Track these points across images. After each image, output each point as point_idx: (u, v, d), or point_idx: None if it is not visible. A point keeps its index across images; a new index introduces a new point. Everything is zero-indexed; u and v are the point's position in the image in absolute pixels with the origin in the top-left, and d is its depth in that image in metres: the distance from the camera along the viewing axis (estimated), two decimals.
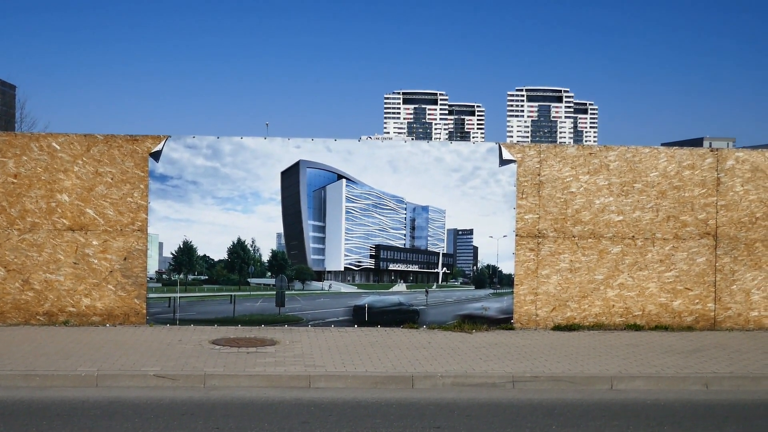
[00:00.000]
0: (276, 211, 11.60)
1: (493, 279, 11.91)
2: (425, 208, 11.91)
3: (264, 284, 11.71)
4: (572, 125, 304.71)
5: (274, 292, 11.67)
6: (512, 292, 11.81)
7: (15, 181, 11.17)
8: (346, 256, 11.81)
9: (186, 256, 11.55)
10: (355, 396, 8.18)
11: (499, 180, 11.79)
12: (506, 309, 11.83)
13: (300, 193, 11.62)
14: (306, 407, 7.69)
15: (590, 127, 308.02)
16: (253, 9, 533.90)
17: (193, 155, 11.45)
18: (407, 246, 12.01)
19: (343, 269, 11.84)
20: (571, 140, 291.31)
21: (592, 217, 11.87)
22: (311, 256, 11.74)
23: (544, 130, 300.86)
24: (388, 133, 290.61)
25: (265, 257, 11.67)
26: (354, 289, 11.87)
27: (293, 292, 11.72)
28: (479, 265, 11.98)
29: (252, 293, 11.70)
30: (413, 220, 11.94)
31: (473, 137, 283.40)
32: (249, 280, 11.70)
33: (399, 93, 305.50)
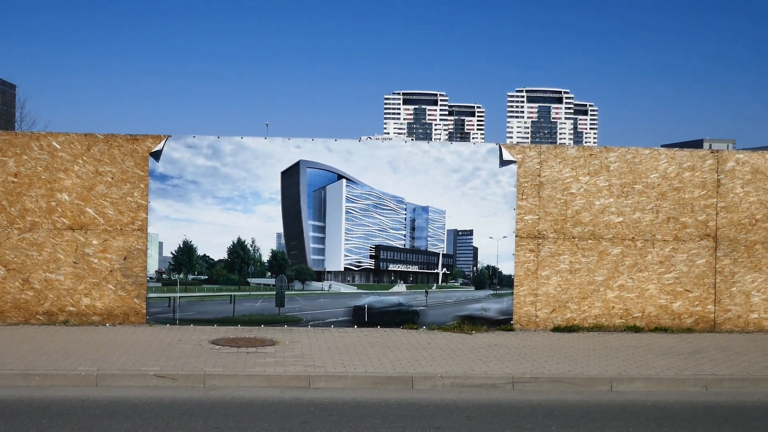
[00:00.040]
0: (276, 211, 11.60)
1: (493, 280, 11.92)
2: (425, 209, 11.91)
3: (264, 284, 11.71)
4: (572, 126, 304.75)
5: (274, 293, 11.67)
6: (512, 293, 11.81)
7: (15, 180, 11.17)
8: (346, 256, 11.81)
9: (186, 255, 11.55)
10: (354, 396, 8.18)
11: (500, 181, 11.79)
12: (506, 310, 11.83)
13: (300, 193, 11.62)
14: (306, 407, 7.69)
15: (590, 128, 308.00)
16: (253, 9, 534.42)
17: (194, 155, 11.45)
18: (407, 246, 12.01)
19: (343, 269, 11.84)
20: (571, 141, 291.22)
21: (592, 218, 11.87)
22: (311, 257, 11.74)
23: (544, 132, 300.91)
24: (388, 133, 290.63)
25: (265, 257, 11.67)
26: (354, 290, 11.87)
27: (293, 292, 11.72)
28: (479, 265, 11.98)
29: (252, 293, 11.70)
30: (413, 221, 11.94)
31: (473, 138, 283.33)
32: (249, 280, 11.69)
33: (399, 93, 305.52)
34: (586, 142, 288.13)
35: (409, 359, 9.47)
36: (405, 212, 11.90)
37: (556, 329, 11.75)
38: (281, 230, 11.64)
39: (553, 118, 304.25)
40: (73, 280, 11.20)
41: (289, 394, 8.18)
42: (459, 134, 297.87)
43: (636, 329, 11.85)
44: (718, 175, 12.05)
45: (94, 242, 11.23)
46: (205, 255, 11.62)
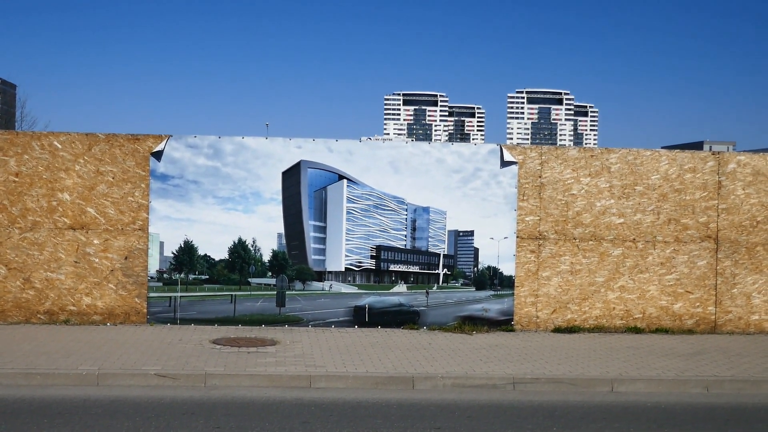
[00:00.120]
0: (277, 211, 11.60)
1: (494, 280, 11.92)
2: (426, 209, 11.91)
3: (264, 284, 11.71)
4: (572, 128, 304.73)
5: (275, 292, 11.67)
6: (513, 294, 11.81)
7: (16, 179, 11.17)
8: (346, 256, 11.81)
9: (187, 255, 11.55)
10: (355, 396, 8.18)
11: (500, 181, 11.79)
12: (507, 310, 11.83)
13: (301, 193, 11.63)
14: (307, 407, 7.69)
15: (590, 129, 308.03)
16: (253, 10, 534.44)
17: (195, 155, 11.46)
18: (408, 247, 12.01)
19: (343, 270, 11.84)
20: (571, 143, 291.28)
21: (593, 220, 11.87)
22: (312, 257, 11.74)
23: (544, 133, 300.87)
24: (388, 134, 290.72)
25: (266, 257, 11.67)
26: (354, 290, 11.87)
27: (294, 292, 11.72)
28: (480, 266, 11.98)
29: (252, 293, 11.70)
30: (414, 221, 11.94)
31: (473, 139, 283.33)
32: (249, 279, 11.70)
33: (399, 94, 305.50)
34: (586, 144, 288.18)
35: (409, 359, 9.47)
36: (406, 213, 11.91)
37: (557, 330, 11.75)
38: (282, 230, 11.64)
39: (554, 119, 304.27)
40: (74, 280, 11.20)
41: (290, 394, 8.18)
42: (459, 135, 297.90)
43: (637, 330, 11.85)
44: (719, 177, 12.05)
45: (95, 242, 11.23)
46: (205, 255, 11.63)
